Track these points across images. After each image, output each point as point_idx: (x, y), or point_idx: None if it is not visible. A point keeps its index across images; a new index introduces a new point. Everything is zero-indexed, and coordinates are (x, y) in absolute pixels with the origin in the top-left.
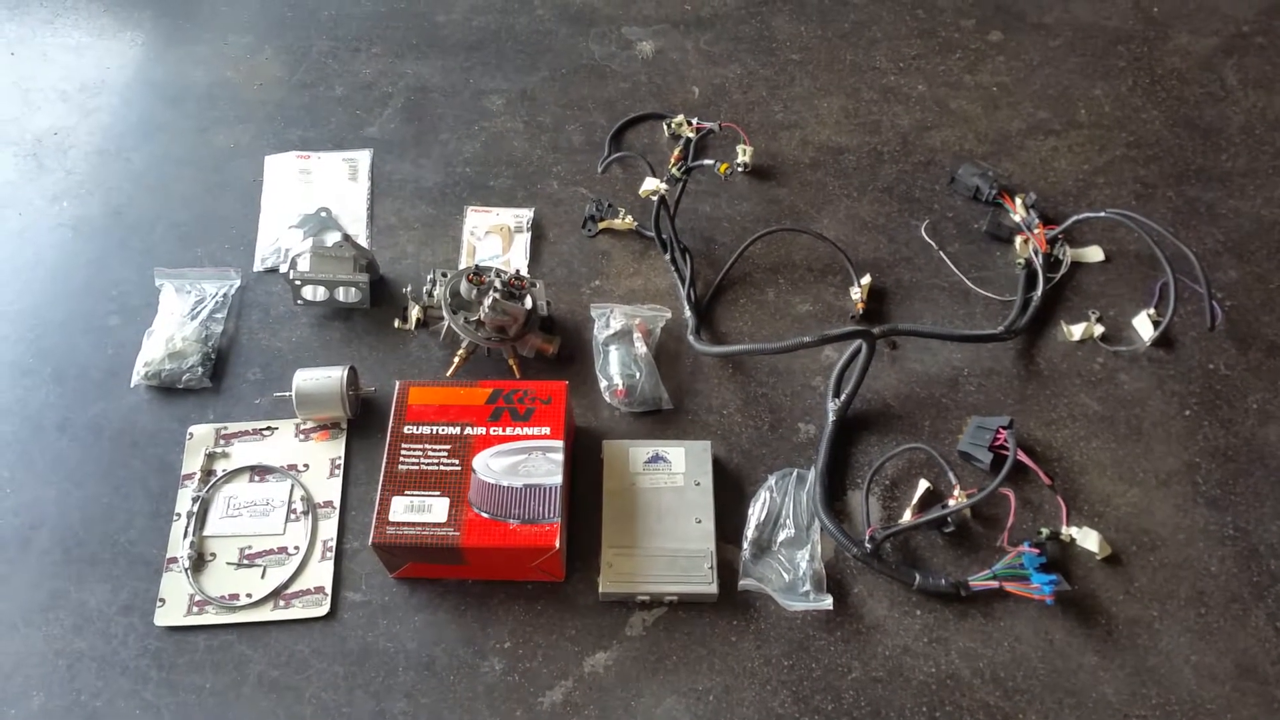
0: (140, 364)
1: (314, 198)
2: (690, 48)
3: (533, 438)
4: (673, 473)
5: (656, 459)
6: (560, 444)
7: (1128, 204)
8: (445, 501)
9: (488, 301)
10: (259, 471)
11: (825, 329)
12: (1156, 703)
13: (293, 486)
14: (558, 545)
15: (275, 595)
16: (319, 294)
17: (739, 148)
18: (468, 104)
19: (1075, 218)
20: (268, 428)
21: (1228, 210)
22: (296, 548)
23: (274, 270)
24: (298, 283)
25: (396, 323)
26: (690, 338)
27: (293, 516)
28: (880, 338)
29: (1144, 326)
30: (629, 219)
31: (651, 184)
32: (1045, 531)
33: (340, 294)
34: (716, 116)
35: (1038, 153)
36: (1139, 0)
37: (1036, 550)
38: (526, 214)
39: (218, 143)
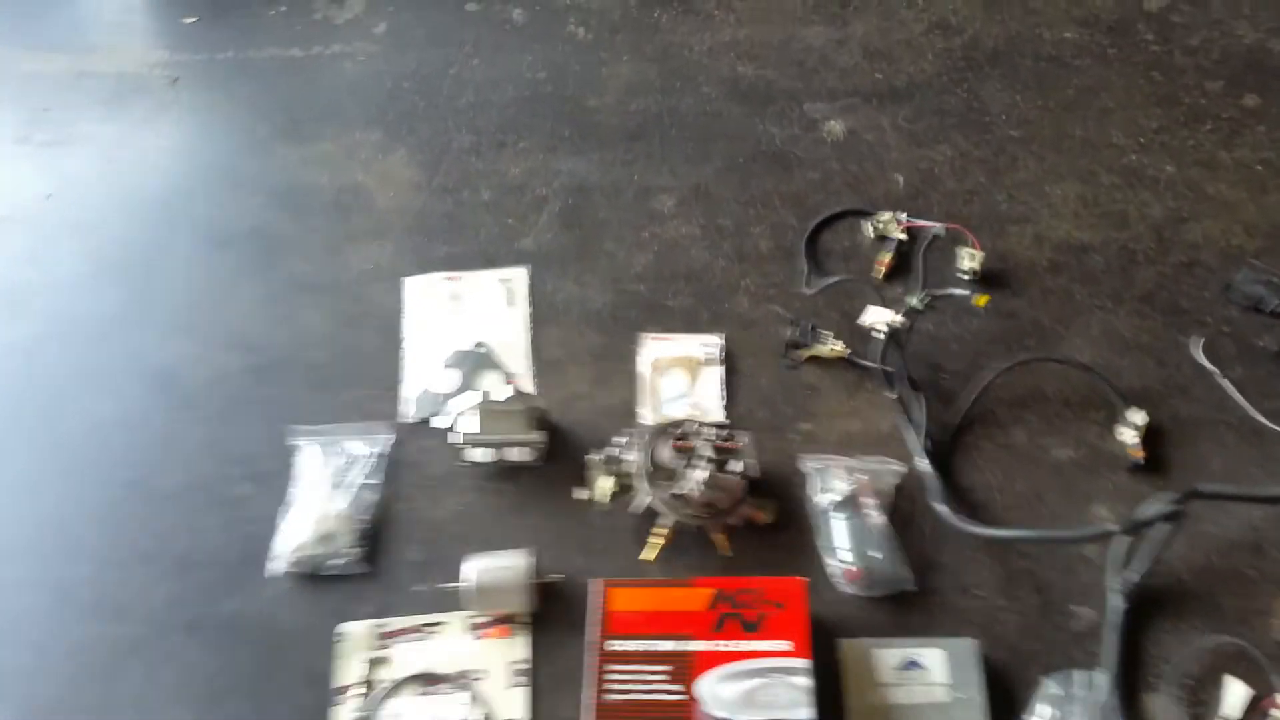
0: (287, 548)
1: (465, 327)
2: (887, 125)
3: (768, 654)
4: (932, 682)
5: (911, 665)
6: (807, 664)
7: None
8: None
9: (699, 475)
10: (428, 680)
11: (1085, 489)
12: None
13: (471, 699)
14: None
15: None
16: (486, 455)
17: (963, 250)
18: (633, 205)
19: None
20: (434, 623)
21: None
22: None
23: (426, 423)
24: (463, 445)
25: (575, 492)
26: (938, 507)
27: None
28: (1186, 501)
29: None
30: (838, 344)
31: (879, 315)
32: None
33: (511, 453)
34: (927, 209)
35: None
36: None
37: None
38: (716, 341)
39: (352, 264)
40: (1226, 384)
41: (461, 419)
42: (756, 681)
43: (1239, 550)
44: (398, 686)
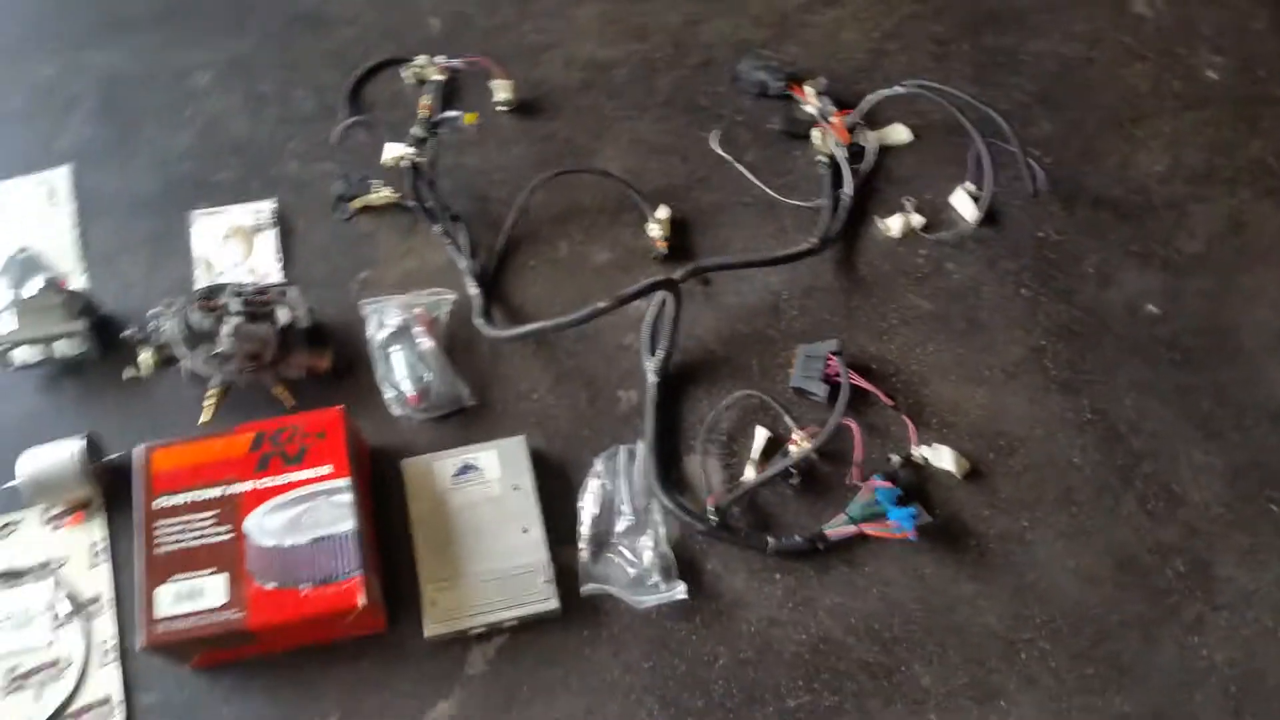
0: None
1: (10, 237)
2: None
3: (312, 481)
4: (487, 481)
5: (466, 469)
6: (347, 482)
7: (925, 68)
8: (222, 578)
9: (226, 329)
10: (9, 577)
11: (623, 286)
12: (1041, 621)
13: (54, 586)
14: (362, 602)
15: (57, 718)
16: (33, 354)
17: (495, 83)
18: (171, 87)
19: (870, 98)
20: (7, 524)
21: (1029, 55)
22: (72, 657)
23: None
24: (4, 347)
25: (126, 373)
26: (477, 321)
27: (60, 621)
28: (683, 281)
29: (964, 204)
30: (387, 190)
31: (394, 150)
32: (896, 458)
33: (59, 348)
34: (462, 50)
35: (821, 28)
36: None
37: (889, 483)
38: (266, 206)
39: None
40: (740, 167)
41: None
42: (301, 507)
43: (760, 314)
44: None
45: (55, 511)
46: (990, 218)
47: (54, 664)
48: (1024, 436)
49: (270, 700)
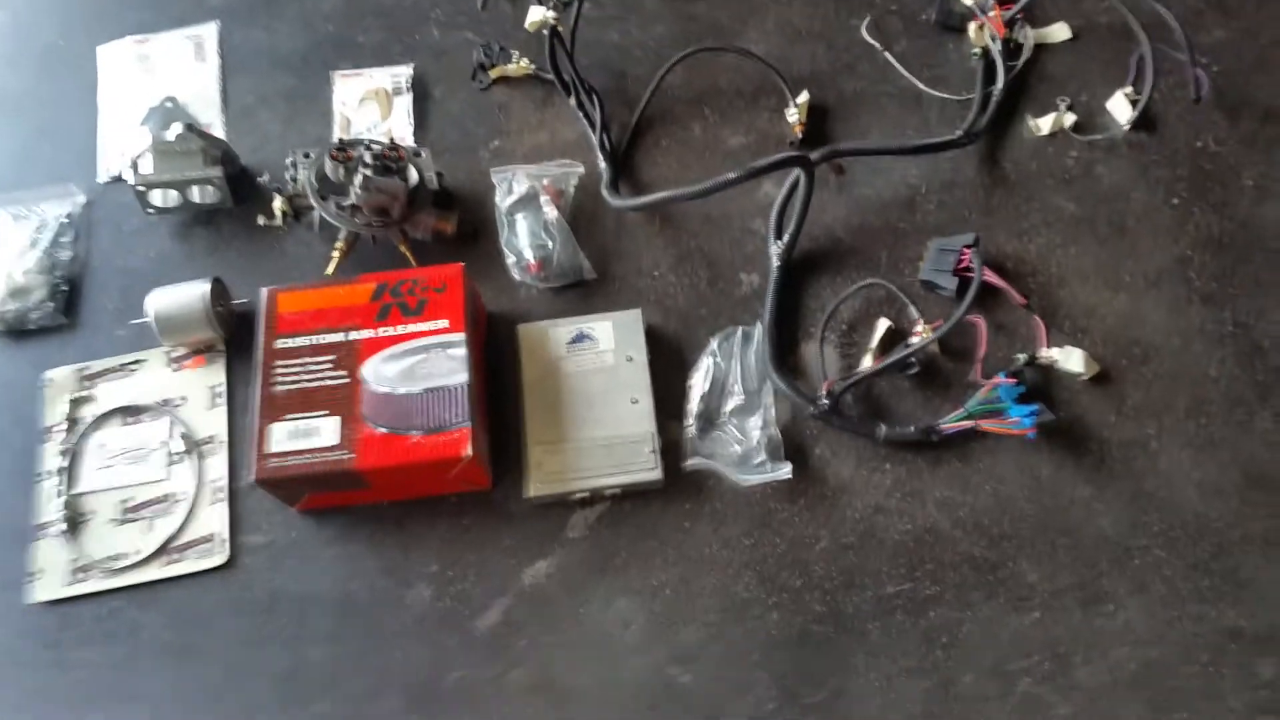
0: None
1: (158, 87)
2: None
3: (429, 334)
4: (600, 351)
5: (581, 338)
6: (462, 336)
7: None
8: (335, 421)
9: (358, 180)
10: (130, 412)
11: (755, 161)
12: (1159, 529)
13: (171, 424)
14: (469, 452)
15: (164, 550)
16: (170, 198)
17: None
18: None
19: None
20: (134, 362)
21: None
22: (183, 493)
23: (121, 179)
24: (142, 188)
25: (261, 220)
26: (605, 192)
27: (174, 458)
28: (819, 163)
29: (1120, 108)
30: (524, 62)
31: (538, 14)
32: (1022, 357)
33: (195, 194)
34: None
35: None
36: None
37: (1013, 380)
38: (405, 71)
39: (41, 38)
40: (889, 56)
41: (138, 162)
42: (418, 358)
43: (893, 207)
44: (100, 420)
45: (179, 353)
46: (1148, 124)
47: (165, 499)
48: (1159, 345)
49: (372, 548)
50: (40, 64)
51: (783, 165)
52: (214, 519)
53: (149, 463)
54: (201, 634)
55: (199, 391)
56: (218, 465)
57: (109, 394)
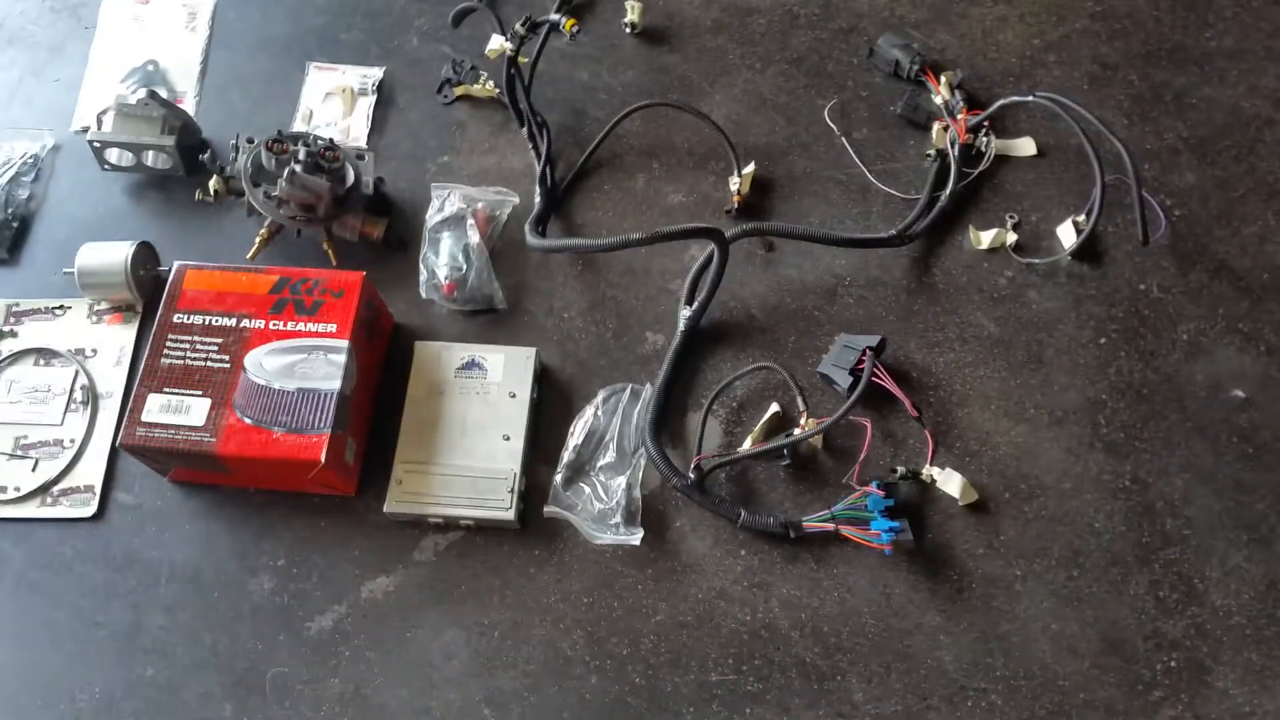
0: None
1: (145, 49)
2: None
3: (316, 335)
4: (488, 381)
5: (472, 365)
6: (346, 344)
7: (1077, 88)
8: (206, 403)
9: (284, 175)
10: (45, 355)
11: (666, 224)
12: (1001, 675)
13: (76, 374)
14: (323, 459)
15: (43, 491)
16: (125, 158)
17: (629, 4)
18: None
19: (1001, 102)
20: (59, 307)
21: (1200, 99)
22: (72, 440)
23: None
24: (98, 144)
25: (198, 194)
26: (526, 227)
27: (72, 406)
28: (734, 240)
29: (1068, 236)
30: (490, 85)
31: (496, 43)
32: (901, 470)
33: (149, 159)
34: None
35: (981, 22)
36: None
37: (883, 492)
38: (375, 73)
39: None
40: (845, 142)
41: (101, 118)
42: (300, 356)
43: (813, 294)
44: (16, 356)
45: (101, 307)
46: (1094, 257)
47: (55, 443)
48: (1049, 486)
49: (230, 530)
50: (47, 6)
51: (693, 235)
52: (93, 472)
53: (49, 406)
54: (59, 578)
55: (110, 348)
56: (108, 421)
57: (30, 333)
